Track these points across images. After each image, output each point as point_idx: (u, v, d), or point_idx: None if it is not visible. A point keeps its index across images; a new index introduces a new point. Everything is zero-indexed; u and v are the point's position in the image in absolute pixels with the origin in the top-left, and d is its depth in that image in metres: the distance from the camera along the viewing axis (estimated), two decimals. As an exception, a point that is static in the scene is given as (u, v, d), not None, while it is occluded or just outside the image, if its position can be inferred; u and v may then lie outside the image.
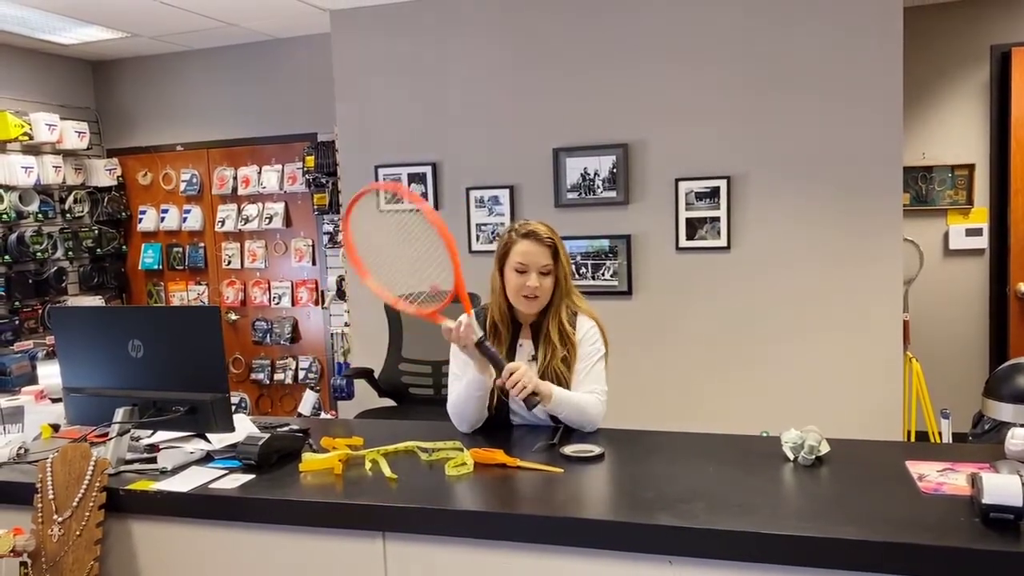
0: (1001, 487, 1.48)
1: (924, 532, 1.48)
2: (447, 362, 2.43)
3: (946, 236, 4.97)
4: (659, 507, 1.66)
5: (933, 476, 1.75)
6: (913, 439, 4.23)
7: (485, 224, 4.50)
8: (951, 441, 3.44)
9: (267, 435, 2.06)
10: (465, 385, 2.24)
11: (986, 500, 1.48)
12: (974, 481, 1.55)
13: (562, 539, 1.64)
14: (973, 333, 4.95)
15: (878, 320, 3.95)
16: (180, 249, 5.84)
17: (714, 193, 4.11)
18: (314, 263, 5.52)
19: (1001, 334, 4.88)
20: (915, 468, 1.80)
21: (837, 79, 3.90)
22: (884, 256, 3.92)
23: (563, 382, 2.26)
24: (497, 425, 2.34)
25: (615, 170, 4.25)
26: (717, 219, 4.13)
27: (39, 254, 5.25)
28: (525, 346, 2.35)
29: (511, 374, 2.11)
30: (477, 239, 4.52)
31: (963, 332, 4.97)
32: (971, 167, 4.89)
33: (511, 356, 2.32)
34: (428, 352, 3.73)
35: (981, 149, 4.89)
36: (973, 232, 4.92)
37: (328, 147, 5.17)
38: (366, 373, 3.97)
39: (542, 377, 2.24)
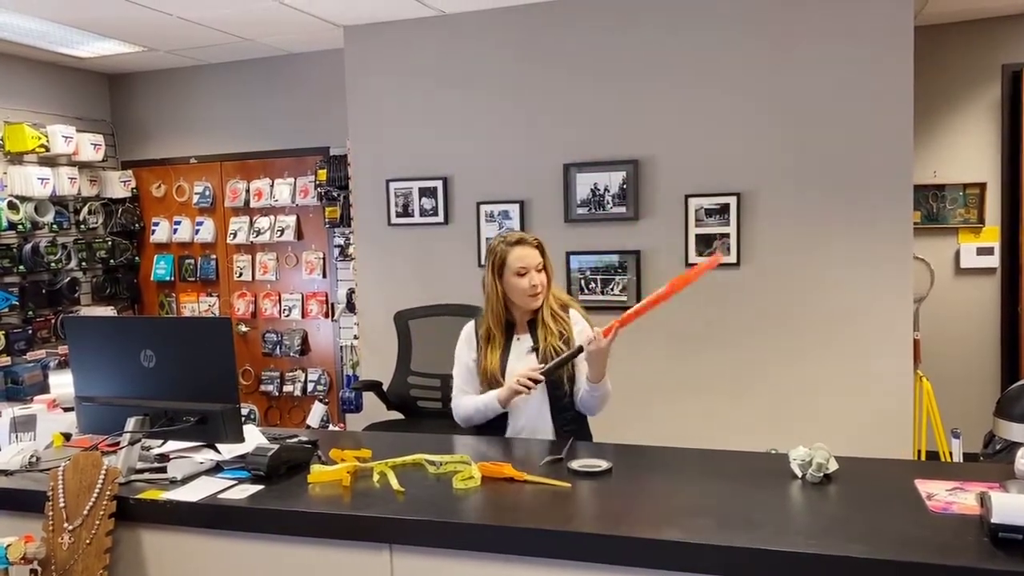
0: (1010, 506, 1.47)
1: (932, 551, 1.47)
2: (455, 375, 2.58)
3: (957, 255, 4.96)
4: (666, 522, 1.67)
5: (942, 495, 1.74)
6: (923, 458, 4.20)
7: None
8: (962, 461, 3.42)
9: (276, 446, 2.08)
10: (484, 407, 2.54)
11: (995, 519, 1.47)
12: (983, 500, 1.55)
13: (569, 553, 1.64)
14: (984, 352, 4.93)
15: (889, 338, 3.93)
16: (192, 261, 5.88)
17: (724, 209, 4.12)
18: (324, 276, 5.55)
19: (1013, 353, 4.85)
20: (924, 487, 1.80)
21: (848, 97, 3.91)
22: (894, 274, 3.91)
23: (560, 354, 2.49)
24: (503, 436, 2.50)
25: (625, 186, 4.26)
26: (727, 235, 4.13)
27: (53, 264, 5.29)
28: (523, 340, 2.59)
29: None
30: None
31: (974, 351, 4.94)
32: (983, 186, 4.89)
33: (507, 352, 2.58)
34: (437, 365, 3.73)
35: (993, 168, 4.88)
36: (984, 251, 4.90)
37: (340, 161, 5.21)
38: (375, 386, 3.98)
39: (542, 357, 2.52)
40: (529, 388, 2.44)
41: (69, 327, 2.39)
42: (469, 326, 2.68)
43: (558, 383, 2.53)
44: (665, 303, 2.42)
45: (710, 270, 2.51)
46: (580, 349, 2.45)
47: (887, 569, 1.45)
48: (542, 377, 2.45)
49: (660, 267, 4.26)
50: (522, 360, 2.57)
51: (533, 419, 2.54)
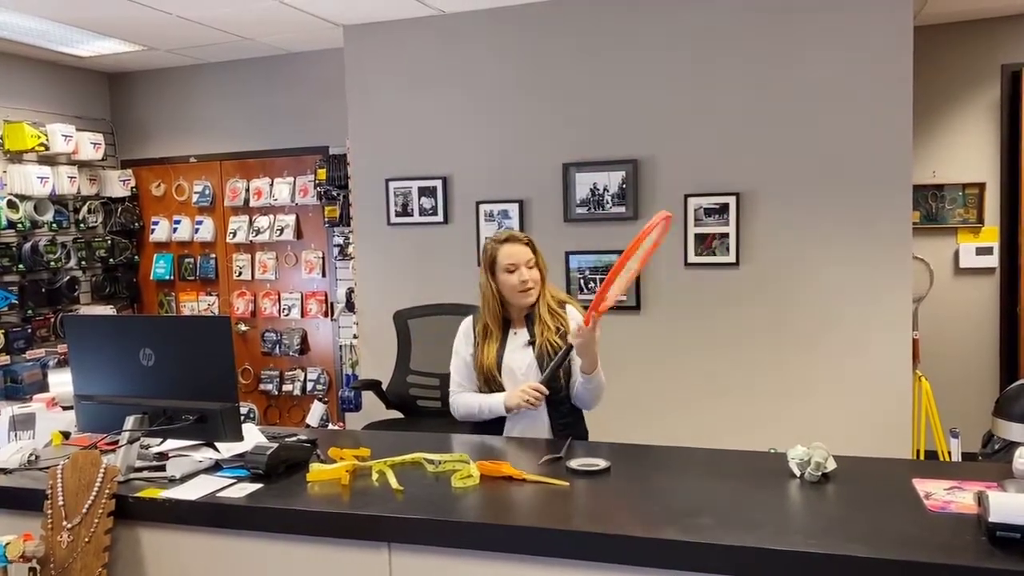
0: (1008, 506, 1.47)
1: (930, 550, 1.47)
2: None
3: (956, 254, 4.96)
4: (665, 521, 1.67)
5: (940, 494, 1.74)
6: (922, 458, 4.20)
7: (494, 238, 4.52)
8: (960, 460, 3.42)
9: (275, 445, 2.08)
10: (488, 410, 2.58)
11: (992, 519, 1.47)
12: (980, 499, 1.55)
13: (567, 552, 1.64)
14: (983, 352, 4.93)
15: (887, 338, 3.93)
16: (192, 260, 5.88)
17: (723, 209, 4.12)
18: (324, 275, 5.55)
19: (1011, 353, 4.85)
20: (922, 486, 1.80)
21: (847, 97, 3.91)
22: (893, 274, 3.91)
23: (557, 351, 2.52)
24: (501, 430, 2.57)
25: (624, 185, 4.26)
26: (726, 235, 4.13)
27: (53, 263, 5.29)
28: (520, 334, 2.64)
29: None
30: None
31: (973, 351, 4.94)
32: (982, 186, 4.89)
33: (504, 346, 2.62)
34: (436, 365, 3.73)
35: (992, 168, 4.88)
36: (983, 251, 4.91)
37: (340, 160, 5.21)
38: (374, 385, 3.98)
39: (539, 352, 2.56)
40: (539, 401, 2.49)
41: (68, 326, 2.39)
42: (467, 321, 2.73)
43: (553, 377, 2.55)
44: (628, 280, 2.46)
45: (660, 231, 2.37)
46: (571, 347, 2.48)
47: (885, 568, 1.45)
48: (547, 390, 2.49)
49: (660, 267, 4.26)
50: (518, 353, 2.61)
51: (530, 414, 2.56)
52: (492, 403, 2.57)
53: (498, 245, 2.62)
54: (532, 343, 2.60)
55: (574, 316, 2.64)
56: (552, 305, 2.64)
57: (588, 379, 2.52)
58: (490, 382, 2.60)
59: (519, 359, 2.60)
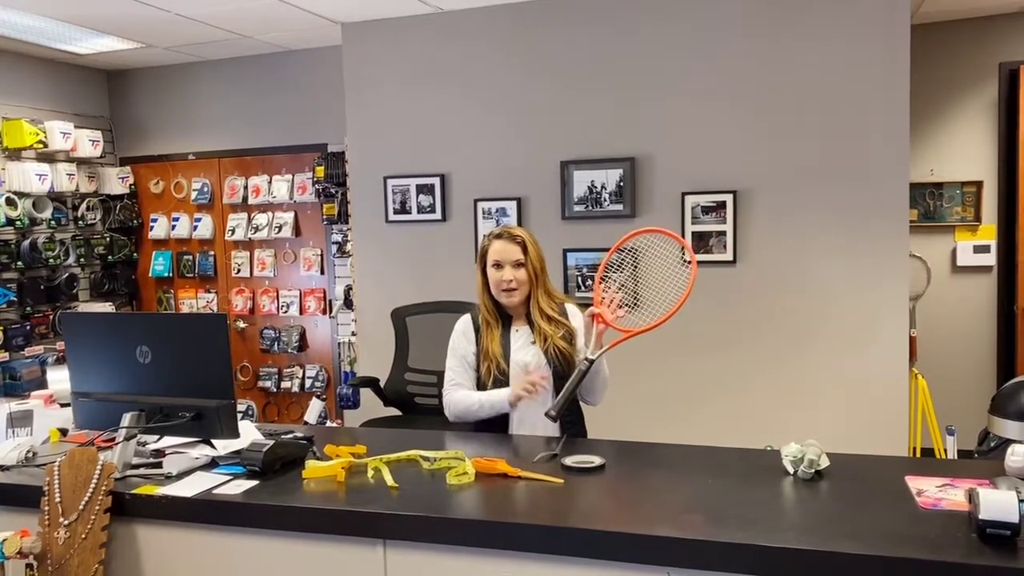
0: (997, 503, 1.48)
1: (921, 547, 1.48)
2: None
3: (954, 253, 4.97)
4: (658, 518, 1.68)
5: (932, 491, 1.75)
6: (919, 456, 4.21)
7: (492, 235, 4.53)
8: (956, 458, 3.43)
9: (271, 442, 2.09)
10: (489, 405, 2.51)
11: (982, 516, 1.48)
12: (971, 497, 1.56)
13: (561, 549, 1.65)
14: (980, 350, 4.94)
15: (884, 336, 3.94)
16: (190, 257, 5.89)
17: (720, 207, 4.13)
18: (322, 272, 5.56)
19: (1008, 351, 4.86)
20: (914, 483, 1.81)
21: (844, 95, 3.91)
22: (890, 272, 3.92)
23: (567, 357, 2.51)
24: (505, 427, 2.54)
25: (622, 183, 4.27)
26: (723, 233, 4.14)
27: (51, 260, 5.30)
28: (521, 331, 2.60)
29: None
30: (484, 250, 4.54)
31: (970, 349, 4.95)
32: (979, 184, 4.89)
33: (507, 342, 2.57)
34: (434, 362, 3.73)
35: (989, 166, 4.89)
36: (981, 249, 4.91)
37: (338, 158, 5.21)
38: (372, 382, 3.99)
39: (547, 350, 2.51)
40: (542, 389, 2.43)
41: (65, 323, 2.40)
42: (465, 319, 2.68)
43: (561, 373, 2.49)
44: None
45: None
46: (591, 363, 2.35)
47: (875, 564, 1.46)
48: (546, 384, 2.43)
49: (657, 266, 4.25)
50: (524, 351, 2.56)
51: (536, 411, 2.48)
52: (495, 399, 2.50)
53: (491, 240, 2.59)
54: (533, 343, 2.56)
55: (575, 314, 2.61)
56: (548, 310, 2.57)
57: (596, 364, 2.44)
58: (496, 371, 2.53)
59: (525, 356, 2.55)
